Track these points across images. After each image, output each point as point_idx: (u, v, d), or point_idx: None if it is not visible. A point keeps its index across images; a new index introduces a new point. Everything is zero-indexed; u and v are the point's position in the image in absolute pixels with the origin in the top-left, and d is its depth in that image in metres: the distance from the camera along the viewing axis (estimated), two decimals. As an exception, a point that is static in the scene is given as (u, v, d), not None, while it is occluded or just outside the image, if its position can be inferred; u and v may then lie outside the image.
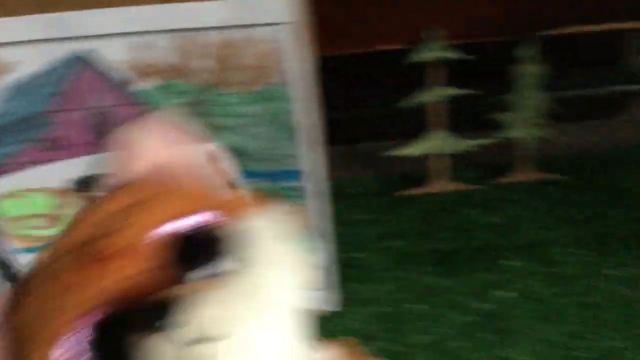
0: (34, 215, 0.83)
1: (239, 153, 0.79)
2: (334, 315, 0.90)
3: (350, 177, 1.03)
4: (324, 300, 0.90)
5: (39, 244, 0.84)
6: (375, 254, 1.01)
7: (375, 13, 0.95)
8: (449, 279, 0.96)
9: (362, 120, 1.00)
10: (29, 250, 0.84)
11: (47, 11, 0.72)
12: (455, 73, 1.01)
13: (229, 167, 0.82)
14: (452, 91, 1.01)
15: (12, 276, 0.83)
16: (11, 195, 0.81)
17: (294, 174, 0.81)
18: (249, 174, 0.82)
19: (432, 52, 0.97)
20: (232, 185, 0.84)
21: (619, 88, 1.20)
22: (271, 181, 0.83)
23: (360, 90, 0.94)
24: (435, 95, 1.01)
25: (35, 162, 0.80)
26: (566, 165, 1.11)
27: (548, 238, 0.99)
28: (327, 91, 0.80)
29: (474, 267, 0.97)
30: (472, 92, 1.02)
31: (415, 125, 1.05)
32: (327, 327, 0.89)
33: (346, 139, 0.85)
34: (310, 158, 0.80)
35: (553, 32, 1.00)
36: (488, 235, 1.01)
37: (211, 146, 0.80)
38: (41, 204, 0.82)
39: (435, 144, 1.04)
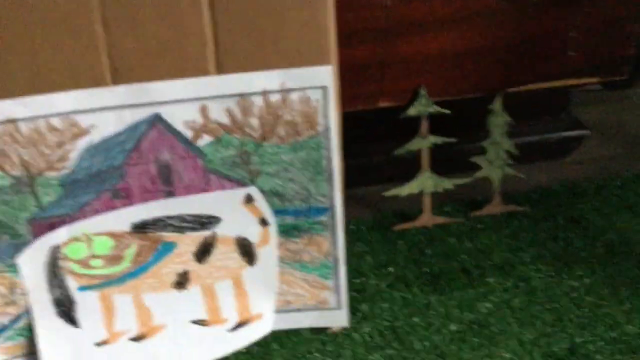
0: (94, 256, 0.94)
1: (275, 194, 0.96)
2: (345, 330, 1.06)
3: (350, 216, 1.20)
4: (339, 317, 1.05)
5: (96, 282, 0.97)
6: (373, 279, 1.17)
7: (377, 76, 1.15)
8: (438, 296, 1.12)
9: (360, 167, 1.16)
10: (85, 288, 0.96)
11: (123, 82, 0.87)
12: (437, 124, 1.22)
13: (263, 206, 0.99)
14: (436, 139, 1.21)
15: (69, 314, 0.96)
16: (77, 239, 0.93)
17: (322, 210, 0.96)
18: (283, 212, 1.00)
19: (419, 108, 1.17)
20: (263, 222, 1.02)
21: (565, 134, 1.43)
22: (301, 217, 0.98)
23: (360, 141, 1.11)
24: (423, 143, 1.20)
25: (104, 210, 0.92)
26: (527, 199, 1.32)
27: (516, 258, 1.17)
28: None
29: (457, 285, 1.14)
30: (452, 139, 1.23)
31: (404, 169, 1.25)
32: (338, 341, 1.07)
33: (347, 184, 1.02)
34: (335, 197, 0.96)
35: (515, 88, 1.22)
36: (467, 258, 1.19)
37: (249, 189, 0.98)
38: (102, 246, 0.94)
39: (423, 184, 1.23)
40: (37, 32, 0.82)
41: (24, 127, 0.85)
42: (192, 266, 0.98)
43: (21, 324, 0.95)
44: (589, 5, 1.18)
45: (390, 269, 1.19)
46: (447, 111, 1.19)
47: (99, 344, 0.97)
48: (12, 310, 0.94)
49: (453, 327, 1.07)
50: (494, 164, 1.26)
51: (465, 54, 1.18)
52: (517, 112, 1.26)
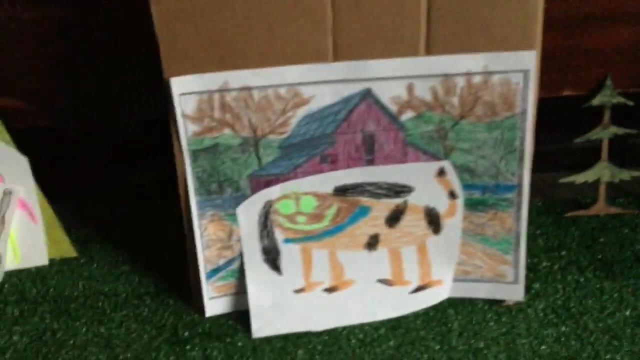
0: (299, 213, 1.06)
1: (466, 169, 1.03)
2: (518, 305, 1.11)
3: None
4: (515, 291, 1.11)
5: (299, 236, 1.08)
6: (545, 260, 1.21)
7: (562, 65, 1.19)
8: (611, 282, 1.14)
9: (539, 155, 1.19)
10: (289, 240, 1.08)
11: (343, 59, 0.97)
12: (619, 115, 1.24)
13: (454, 180, 1.07)
14: (617, 130, 1.23)
15: (274, 262, 1.08)
16: (287, 196, 1.05)
17: (509, 188, 1.02)
18: (471, 186, 1.07)
19: (603, 98, 1.20)
20: (452, 195, 1.09)
21: None
22: (488, 193, 1.05)
23: (541, 129, 1.15)
24: (604, 133, 1.23)
25: (312, 172, 1.03)
26: None
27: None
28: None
29: (632, 274, 1.15)
30: (633, 131, 1.24)
31: (584, 158, 1.28)
32: (512, 314, 1.12)
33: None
34: (524, 176, 1.01)
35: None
36: (643, 249, 1.22)
37: (443, 163, 1.05)
38: (308, 204, 1.05)
39: (600, 173, 1.25)
40: (274, 10, 0.94)
41: (256, 95, 0.98)
42: (383, 230, 1.08)
43: (233, 266, 1.09)
44: None
45: (563, 253, 1.23)
46: (630, 102, 1.21)
47: (296, 291, 1.09)
48: (228, 254, 1.08)
49: (627, 313, 1.09)
50: (675, 159, 1.27)
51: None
52: None
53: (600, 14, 1.18)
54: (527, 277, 1.15)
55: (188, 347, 1.07)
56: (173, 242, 1.23)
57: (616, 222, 1.28)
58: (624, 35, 1.19)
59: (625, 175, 1.27)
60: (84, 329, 1.11)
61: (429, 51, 0.97)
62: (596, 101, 1.21)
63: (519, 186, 1.04)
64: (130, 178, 1.36)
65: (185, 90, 0.97)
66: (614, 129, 1.24)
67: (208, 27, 0.94)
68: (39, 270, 1.22)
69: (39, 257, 1.23)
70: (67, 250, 1.24)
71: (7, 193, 1.20)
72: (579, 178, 1.27)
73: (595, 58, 1.19)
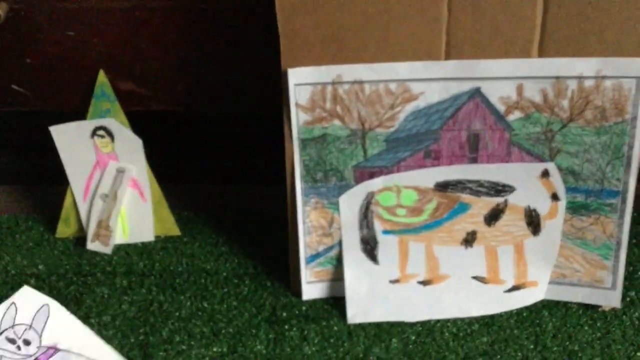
0: (399, 206, 1.09)
1: (571, 172, 1.04)
2: (614, 311, 1.11)
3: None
4: (612, 298, 1.10)
5: (397, 228, 1.11)
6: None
7: None
8: None
9: None
10: (387, 232, 1.11)
11: (454, 58, 0.99)
12: None
13: (557, 182, 1.07)
14: None
15: (372, 252, 1.12)
16: (389, 188, 1.08)
17: (614, 194, 1.01)
18: (575, 190, 1.07)
19: None
20: (554, 197, 1.09)
21: None
22: (592, 197, 1.05)
23: None
24: None
25: (416, 167, 1.05)
26: None
27: None
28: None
29: None
30: None
31: None
32: (608, 320, 1.12)
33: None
34: (630, 182, 1.01)
35: None
36: None
37: (547, 165, 1.06)
38: (408, 198, 1.08)
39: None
40: (391, 7, 0.97)
41: (367, 89, 1.02)
42: (481, 227, 1.09)
43: (332, 253, 1.13)
44: None
45: (660, 261, 1.22)
46: None
47: (392, 282, 1.12)
48: (328, 241, 1.12)
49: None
50: None
51: None
52: None
53: None
54: (625, 284, 1.15)
55: (286, 326, 1.12)
56: (274, 227, 1.29)
57: None
58: None
59: None
60: (189, 303, 1.17)
61: (542, 53, 0.98)
62: None
63: (624, 192, 1.03)
64: (235, 162, 1.42)
65: (301, 81, 1.02)
66: None
67: (327, 22, 0.98)
68: (145, 245, 1.30)
69: (146, 234, 1.31)
70: (172, 228, 1.31)
71: (121, 171, 1.28)
72: None
73: None
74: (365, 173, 1.09)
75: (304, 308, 1.16)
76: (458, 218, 1.10)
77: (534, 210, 1.08)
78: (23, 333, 1.00)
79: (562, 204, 1.07)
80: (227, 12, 1.13)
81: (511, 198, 1.08)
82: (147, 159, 1.27)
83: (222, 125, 1.40)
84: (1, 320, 1.01)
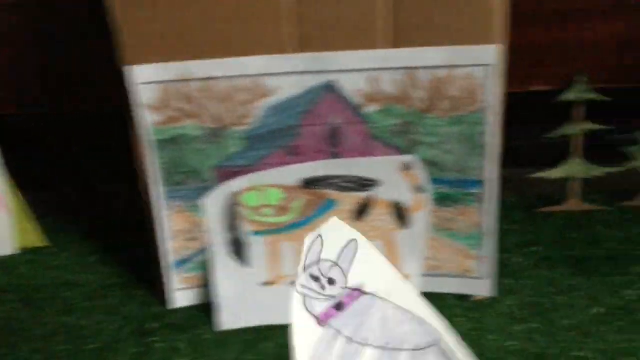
0: (266, 205, 1.06)
1: (432, 164, 1.03)
2: (489, 301, 1.11)
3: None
4: (483, 287, 1.11)
5: (265, 228, 1.08)
6: (517, 256, 1.20)
7: (530, 59, 1.19)
8: (583, 279, 1.14)
9: (507, 149, 1.19)
10: (257, 233, 1.08)
11: (307, 51, 0.97)
12: (593, 112, 1.23)
13: (420, 174, 1.06)
14: (590, 126, 1.22)
15: (241, 254, 1.08)
16: (253, 188, 1.05)
17: (475, 183, 1.01)
18: (438, 181, 1.06)
19: (576, 94, 1.19)
20: (418, 189, 1.08)
21: None
22: (455, 188, 1.04)
23: (512, 124, 1.14)
24: (576, 129, 1.22)
25: (279, 164, 1.02)
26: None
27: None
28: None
29: (603, 272, 1.14)
30: (605, 127, 1.23)
31: (555, 154, 1.27)
32: (482, 310, 1.12)
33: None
34: (490, 171, 1.01)
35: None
36: (615, 246, 1.19)
37: (408, 158, 1.05)
38: (274, 196, 1.05)
39: (573, 169, 1.25)
40: (231, 4, 0.93)
41: (219, 85, 0.98)
42: (350, 224, 1.07)
43: (201, 258, 1.09)
44: None
45: (534, 249, 1.22)
46: (607, 99, 1.20)
47: (265, 284, 1.09)
48: (195, 245, 1.08)
49: (597, 310, 1.09)
50: (647, 155, 1.26)
51: (627, 44, 1.19)
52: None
53: (575, 9, 1.17)
54: (498, 272, 1.15)
55: (155, 338, 1.07)
56: (143, 232, 1.24)
57: (589, 219, 1.28)
58: (599, 31, 1.18)
59: (599, 171, 1.26)
60: (52, 319, 1.11)
61: (393, 44, 0.96)
62: (570, 96, 1.21)
63: (485, 181, 1.03)
64: (95, 164, 1.36)
65: (146, 79, 0.97)
66: (586, 125, 1.23)
67: (167, 16, 0.94)
68: (6, 259, 1.23)
69: (5, 247, 1.23)
70: (37, 240, 1.24)
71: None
72: (552, 174, 1.27)
73: (568, 53, 1.18)
74: (227, 173, 1.04)
75: (174, 317, 1.11)
76: (326, 215, 1.08)
77: (401, 204, 1.07)
78: (329, 271, 0.85)
79: (427, 196, 1.06)
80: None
81: (378, 192, 1.06)
82: (7, 166, 1.20)
83: (78, 127, 1.33)
84: (307, 255, 0.85)
